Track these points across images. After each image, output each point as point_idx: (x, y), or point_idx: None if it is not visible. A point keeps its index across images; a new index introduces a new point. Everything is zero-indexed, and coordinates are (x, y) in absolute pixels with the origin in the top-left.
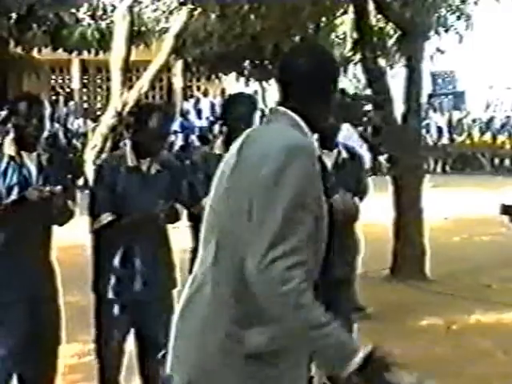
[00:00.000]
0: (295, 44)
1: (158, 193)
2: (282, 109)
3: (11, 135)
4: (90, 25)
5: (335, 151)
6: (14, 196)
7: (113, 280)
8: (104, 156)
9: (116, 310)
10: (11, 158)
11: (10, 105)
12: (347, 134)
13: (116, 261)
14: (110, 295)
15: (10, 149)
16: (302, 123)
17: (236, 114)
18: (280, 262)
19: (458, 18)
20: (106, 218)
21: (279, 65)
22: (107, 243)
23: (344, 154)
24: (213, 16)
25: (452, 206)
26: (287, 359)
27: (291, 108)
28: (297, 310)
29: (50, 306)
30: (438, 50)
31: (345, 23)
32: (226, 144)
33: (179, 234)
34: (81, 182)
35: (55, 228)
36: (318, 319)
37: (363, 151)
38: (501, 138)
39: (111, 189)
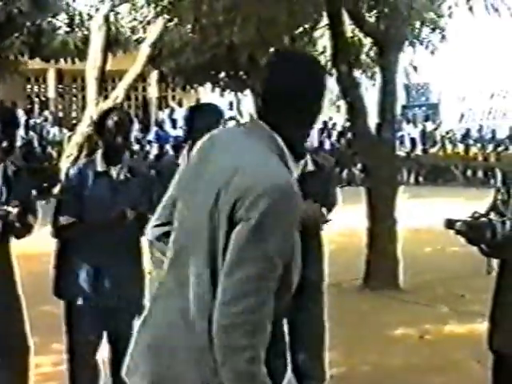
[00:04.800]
0: (281, 51)
1: (125, 199)
2: (261, 123)
3: None
4: (68, 33)
5: (302, 162)
6: None
7: (81, 286)
8: (75, 164)
9: (86, 317)
10: None
11: None
12: None
13: (84, 266)
14: (80, 302)
15: None
16: (281, 143)
17: (200, 124)
18: (239, 328)
19: (433, 30)
20: (67, 219)
21: (262, 75)
22: (74, 248)
23: (310, 166)
24: (188, 27)
25: (425, 216)
26: None
27: (270, 124)
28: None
29: (12, 315)
30: (414, 67)
31: (325, 36)
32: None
33: None
34: (56, 190)
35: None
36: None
37: None
38: (473, 150)
39: (78, 193)
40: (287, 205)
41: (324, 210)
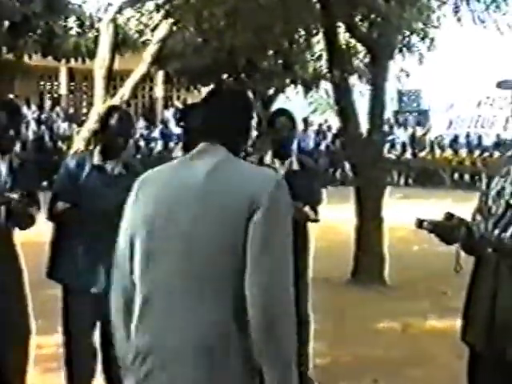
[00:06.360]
0: (219, 89)
1: (118, 193)
2: (218, 146)
3: None
4: (79, 34)
5: (287, 162)
6: None
7: (77, 271)
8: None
9: (81, 301)
10: None
11: None
12: None
13: (79, 251)
14: (76, 286)
15: None
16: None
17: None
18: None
19: (422, 39)
20: (64, 205)
21: (204, 110)
22: (70, 233)
23: (295, 165)
24: (192, 30)
25: (413, 216)
26: None
27: (223, 144)
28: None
29: (16, 297)
30: (404, 71)
31: (321, 42)
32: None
33: None
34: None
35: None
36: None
37: None
38: (461, 155)
39: (74, 182)
40: (287, 193)
41: (308, 208)
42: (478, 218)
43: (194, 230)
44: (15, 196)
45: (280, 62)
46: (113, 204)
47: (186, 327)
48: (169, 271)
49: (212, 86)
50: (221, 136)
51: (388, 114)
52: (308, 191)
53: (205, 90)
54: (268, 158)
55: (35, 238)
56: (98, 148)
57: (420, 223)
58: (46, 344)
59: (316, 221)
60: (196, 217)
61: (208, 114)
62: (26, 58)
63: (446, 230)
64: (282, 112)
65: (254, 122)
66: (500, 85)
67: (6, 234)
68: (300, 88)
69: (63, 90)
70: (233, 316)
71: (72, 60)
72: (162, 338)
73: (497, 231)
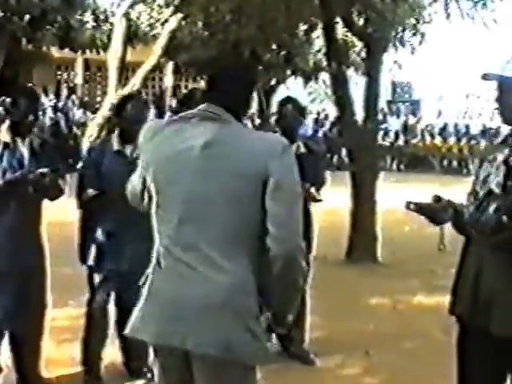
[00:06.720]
0: (229, 63)
1: None
2: (222, 110)
3: (6, 123)
4: (95, 27)
5: (294, 145)
6: (8, 177)
7: (98, 251)
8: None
9: (101, 277)
10: (6, 144)
11: (10, 96)
12: None
13: (101, 234)
14: (97, 265)
15: (5, 136)
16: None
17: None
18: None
19: (414, 34)
20: (93, 192)
21: (219, 75)
22: (93, 218)
23: (302, 149)
24: (199, 24)
25: (405, 199)
26: None
27: (226, 107)
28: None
29: (38, 273)
30: (399, 65)
31: (321, 37)
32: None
33: None
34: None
35: (52, 207)
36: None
37: None
38: (449, 143)
39: (98, 169)
40: (292, 152)
41: (313, 189)
42: (471, 200)
43: (196, 188)
44: (45, 170)
45: (282, 54)
46: None
47: (199, 283)
48: (177, 227)
49: None
50: (225, 97)
51: (382, 103)
52: (314, 173)
53: None
54: None
55: (54, 218)
56: (116, 134)
57: (408, 205)
58: (59, 317)
59: (320, 200)
60: (199, 175)
61: (213, 77)
62: (44, 50)
63: (433, 211)
64: (289, 100)
65: (256, 111)
66: (484, 77)
67: (35, 209)
68: (300, 79)
69: (79, 80)
70: (247, 267)
71: (87, 51)
72: (173, 292)
73: (478, 214)
